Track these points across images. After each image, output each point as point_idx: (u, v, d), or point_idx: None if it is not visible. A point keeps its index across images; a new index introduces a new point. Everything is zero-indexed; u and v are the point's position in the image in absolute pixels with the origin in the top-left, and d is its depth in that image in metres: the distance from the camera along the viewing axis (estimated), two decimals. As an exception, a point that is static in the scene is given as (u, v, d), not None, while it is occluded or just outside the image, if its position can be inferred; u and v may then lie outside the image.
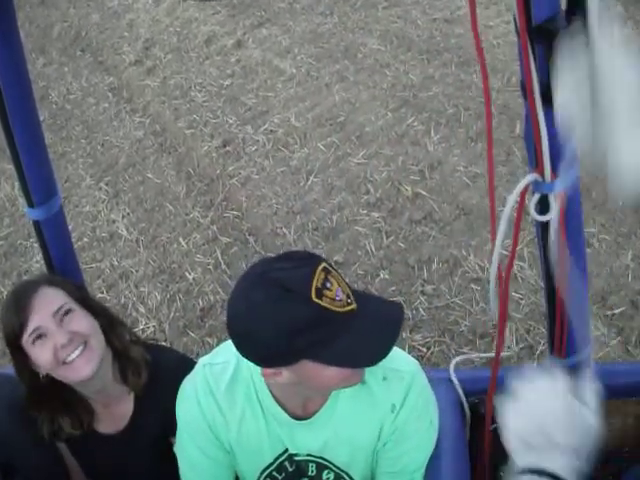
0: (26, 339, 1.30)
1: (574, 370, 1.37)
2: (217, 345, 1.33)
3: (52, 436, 1.42)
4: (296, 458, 1.25)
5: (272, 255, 1.13)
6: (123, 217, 3.84)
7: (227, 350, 1.24)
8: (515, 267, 2.77)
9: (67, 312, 1.32)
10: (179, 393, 1.30)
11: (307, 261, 1.03)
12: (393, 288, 2.91)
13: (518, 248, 2.84)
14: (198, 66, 5.09)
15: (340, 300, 1.01)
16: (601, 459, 1.03)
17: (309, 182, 3.63)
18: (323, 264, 1.03)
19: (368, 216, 3.32)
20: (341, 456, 1.25)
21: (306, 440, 1.23)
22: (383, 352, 1.05)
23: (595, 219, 2.90)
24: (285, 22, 5.32)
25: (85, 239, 3.72)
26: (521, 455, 0.93)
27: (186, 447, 1.29)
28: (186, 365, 1.35)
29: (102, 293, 3.29)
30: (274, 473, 1.28)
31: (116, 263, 3.51)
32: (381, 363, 1.10)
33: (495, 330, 2.57)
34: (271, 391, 1.19)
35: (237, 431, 1.23)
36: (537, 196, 0.98)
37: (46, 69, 5.76)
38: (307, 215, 3.43)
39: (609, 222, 2.92)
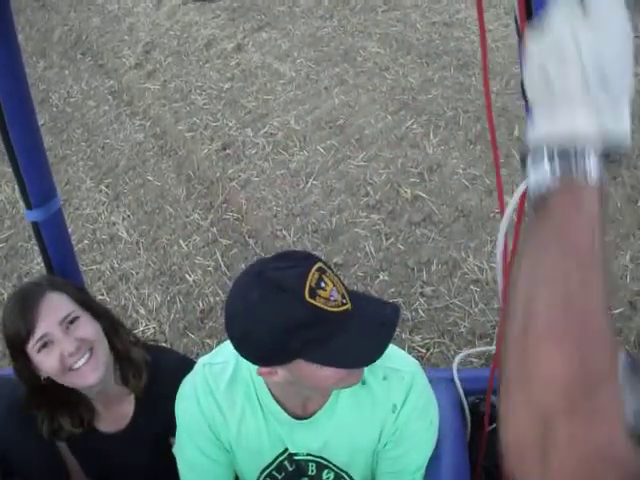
0: (32, 346, 1.30)
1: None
2: (217, 346, 1.34)
3: (52, 435, 1.43)
4: (296, 457, 1.26)
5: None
6: (123, 219, 3.84)
7: (227, 350, 1.25)
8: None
9: (74, 320, 1.33)
10: (178, 393, 1.30)
11: (303, 261, 1.03)
12: (392, 290, 2.92)
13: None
14: (198, 69, 5.10)
15: (335, 300, 1.01)
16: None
17: (309, 184, 3.65)
18: (318, 264, 1.03)
19: (368, 218, 3.33)
20: (341, 456, 1.25)
21: (306, 440, 1.23)
22: (378, 353, 1.05)
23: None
24: (285, 26, 5.34)
25: (85, 241, 3.73)
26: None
27: (185, 447, 1.29)
28: (186, 366, 1.36)
29: (102, 295, 3.30)
30: (274, 472, 1.28)
31: (116, 265, 3.52)
32: (381, 363, 1.10)
33: (494, 331, 2.58)
34: (270, 390, 1.19)
35: (237, 431, 1.24)
36: None
37: (47, 72, 5.77)
38: (307, 217, 3.44)
39: (607, 223, 2.93)
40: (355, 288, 2.99)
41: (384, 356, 1.16)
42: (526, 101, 0.84)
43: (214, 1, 6.09)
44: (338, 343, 1.01)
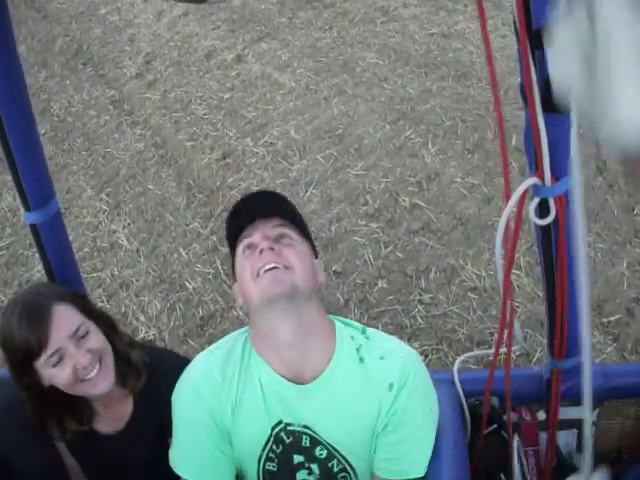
0: (44, 360, 1.30)
1: (573, 373, 1.40)
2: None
3: (62, 436, 1.44)
4: (290, 428, 1.26)
5: None
6: (124, 227, 3.86)
7: (220, 342, 1.35)
8: (512, 276, 2.80)
9: (82, 335, 1.34)
10: (176, 388, 1.32)
11: None
12: (391, 297, 2.94)
13: (515, 257, 2.87)
14: (198, 80, 5.14)
15: None
16: (601, 459, 1.05)
17: (308, 193, 3.67)
18: None
19: (366, 226, 3.35)
20: (336, 434, 1.25)
21: (300, 409, 1.24)
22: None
23: (591, 228, 2.94)
24: (284, 37, 5.38)
25: (86, 249, 3.75)
26: None
27: (186, 442, 1.29)
28: (184, 366, 1.37)
29: (102, 302, 3.31)
30: (273, 446, 1.27)
31: (117, 273, 3.53)
32: (380, 344, 1.23)
33: (492, 338, 2.60)
34: (265, 360, 1.25)
35: (236, 405, 1.26)
36: (537, 200, 1.00)
37: (48, 82, 5.80)
38: (306, 225, 3.46)
39: (604, 231, 2.96)
40: (354, 296, 3.01)
41: (382, 339, 1.27)
42: (526, 105, 0.86)
43: (204, 2, 6.13)
44: None
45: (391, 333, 1.42)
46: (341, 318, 1.35)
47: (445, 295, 2.88)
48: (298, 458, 1.28)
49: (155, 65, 5.52)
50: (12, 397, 1.43)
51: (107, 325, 1.45)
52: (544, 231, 1.17)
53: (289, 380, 1.24)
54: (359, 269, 3.13)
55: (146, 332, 3.10)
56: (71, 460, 1.52)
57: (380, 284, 3.02)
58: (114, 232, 3.84)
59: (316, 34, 5.32)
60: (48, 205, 1.52)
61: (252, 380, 1.26)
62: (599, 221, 2.98)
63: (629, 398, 1.57)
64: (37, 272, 3.56)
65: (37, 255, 1.63)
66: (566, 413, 1.51)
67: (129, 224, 3.88)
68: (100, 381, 1.35)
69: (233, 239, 1.32)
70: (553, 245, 1.17)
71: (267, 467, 1.29)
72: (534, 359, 2.49)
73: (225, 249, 3.46)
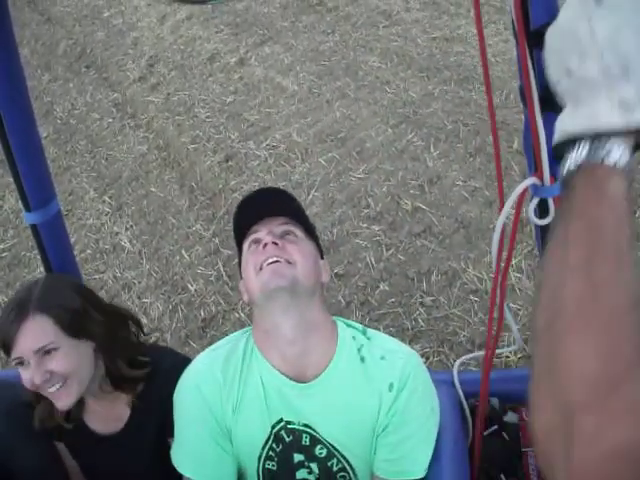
0: (11, 359, 1.32)
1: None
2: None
3: (42, 424, 1.43)
4: (290, 426, 1.26)
5: None
6: (126, 229, 3.88)
7: (220, 342, 1.35)
8: (513, 278, 2.80)
9: (50, 351, 1.30)
10: (177, 386, 1.32)
11: None
12: (393, 299, 2.95)
13: (516, 260, 2.88)
14: (201, 83, 5.16)
15: None
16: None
17: (310, 196, 3.68)
18: None
19: (368, 229, 3.36)
20: (336, 433, 1.25)
21: (301, 407, 1.25)
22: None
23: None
24: (287, 40, 5.40)
25: (88, 251, 3.76)
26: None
27: (188, 440, 1.29)
28: (185, 366, 1.36)
29: (105, 304, 3.32)
30: (273, 445, 1.28)
31: (119, 274, 3.54)
32: (380, 345, 1.23)
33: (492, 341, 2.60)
34: (267, 358, 1.25)
35: (238, 402, 1.26)
36: (536, 200, 1.00)
37: (51, 85, 5.83)
38: (308, 228, 3.46)
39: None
40: (355, 298, 3.01)
41: (383, 340, 1.28)
42: (525, 104, 0.87)
43: (205, 3, 6.15)
44: None
45: (392, 335, 1.42)
46: (343, 319, 1.35)
47: (446, 298, 2.89)
48: (298, 457, 1.28)
49: (158, 68, 5.54)
50: (14, 400, 1.44)
51: (105, 337, 1.38)
52: (544, 231, 1.18)
53: (290, 378, 1.25)
54: (361, 272, 3.13)
55: (148, 334, 3.10)
56: (71, 462, 1.53)
57: (382, 286, 3.03)
58: (116, 234, 3.86)
59: (319, 38, 5.33)
60: (48, 206, 1.53)
61: (253, 378, 1.27)
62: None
63: None
64: (39, 273, 3.57)
65: (39, 257, 1.63)
66: None
67: (131, 226, 3.89)
68: (60, 398, 1.32)
69: (240, 236, 1.33)
70: None
71: (267, 466, 1.30)
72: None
73: (227, 251, 3.47)
